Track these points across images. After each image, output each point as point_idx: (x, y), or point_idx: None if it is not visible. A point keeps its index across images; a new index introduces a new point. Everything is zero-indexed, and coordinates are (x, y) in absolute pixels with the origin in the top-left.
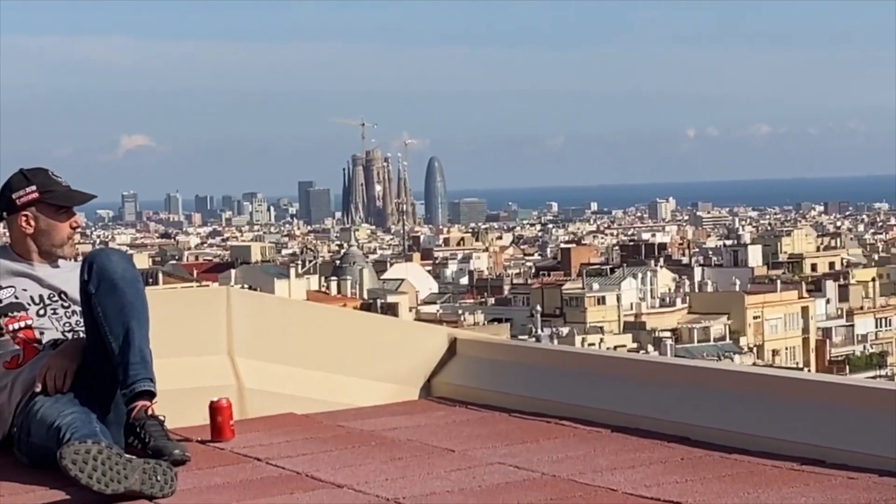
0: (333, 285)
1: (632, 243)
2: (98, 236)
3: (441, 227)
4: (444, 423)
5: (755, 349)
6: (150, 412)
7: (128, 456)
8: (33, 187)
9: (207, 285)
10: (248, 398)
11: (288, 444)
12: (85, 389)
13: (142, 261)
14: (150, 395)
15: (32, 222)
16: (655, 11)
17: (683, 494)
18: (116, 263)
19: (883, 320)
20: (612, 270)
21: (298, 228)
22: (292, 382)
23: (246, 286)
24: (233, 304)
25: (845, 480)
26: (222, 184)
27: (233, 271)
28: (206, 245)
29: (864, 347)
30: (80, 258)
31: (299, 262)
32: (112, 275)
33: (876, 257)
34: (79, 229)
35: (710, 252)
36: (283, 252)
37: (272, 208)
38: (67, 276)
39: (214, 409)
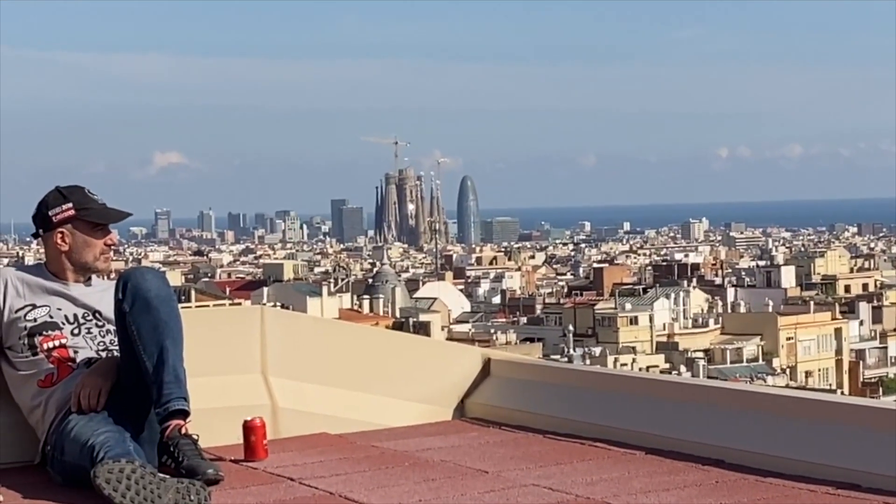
0: (366, 304)
1: (664, 263)
2: (131, 253)
3: (473, 245)
4: (477, 443)
5: (788, 370)
6: (183, 431)
7: (161, 475)
8: (69, 204)
9: (240, 303)
10: (282, 417)
11: (321, 465)
12: (119, 408)
13: (174, 278)
14: (184, 413)
15: (68, 239)
16: (689, 31)
17: None
18: (151, 282)
19: None
20: (645, 291)
21: (331, 246)
22: (325, 402)
23: (278, 304)
24: (266, 322)
25: None
26: (255, 201)
27: (265, 289)
28: (238, 263)
29: None
30: (113, 276)
31: (332, 280)
32: (146, 293)
33: None
34: (113, 247)
35: (743, 273)
36: (316, 270)
37: (305, 226)
38: (101, 296)
39: (248, 428)
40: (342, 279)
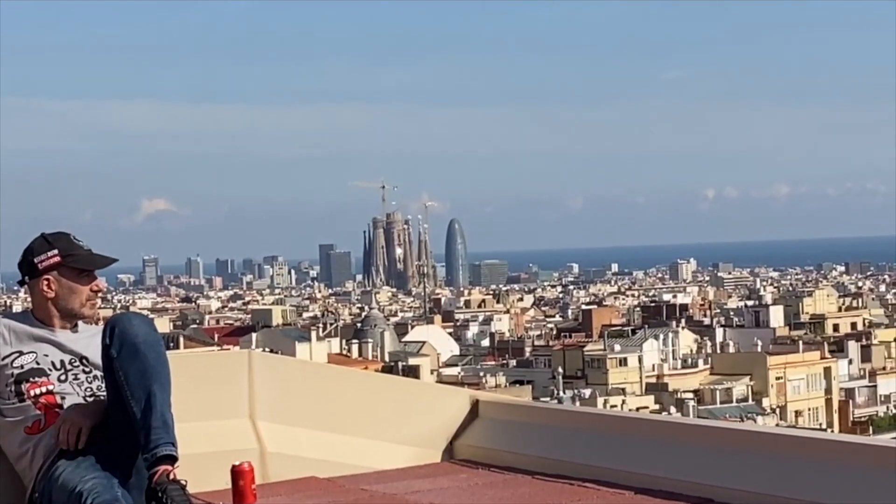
0: (355, 348)
1: (653, 304)
2: (119, 301)
3: (462, 289)
4: (466, 485)
5: (778, 410)
6: (171, 476)
7: None
8: (55, 251)
9: (228, 349)
10: (270, 462)
11: None
12: (107, 453)
13: (163, 325)
14: (173, 459)
15: (54, 286)
16: (675, 73)
17: None
18: (138, 327)
19: None
20: (634, 332)
21: (319, 291)
22: (314, 446)
23: (267, 350)
24: (254, 367)
25: None
26: (243, 247)
27: (254, 335)
28: (227, 309)
29: (888, 408)
30: (100, 322)
31: (320, 325)
32: (134, 339)
33: None
34: (100, 293)
35: (732, 313)
36: (305, 315)
37: (293, 271)
38: (88, 342)
39: (236, 472)
40: (331, 324)
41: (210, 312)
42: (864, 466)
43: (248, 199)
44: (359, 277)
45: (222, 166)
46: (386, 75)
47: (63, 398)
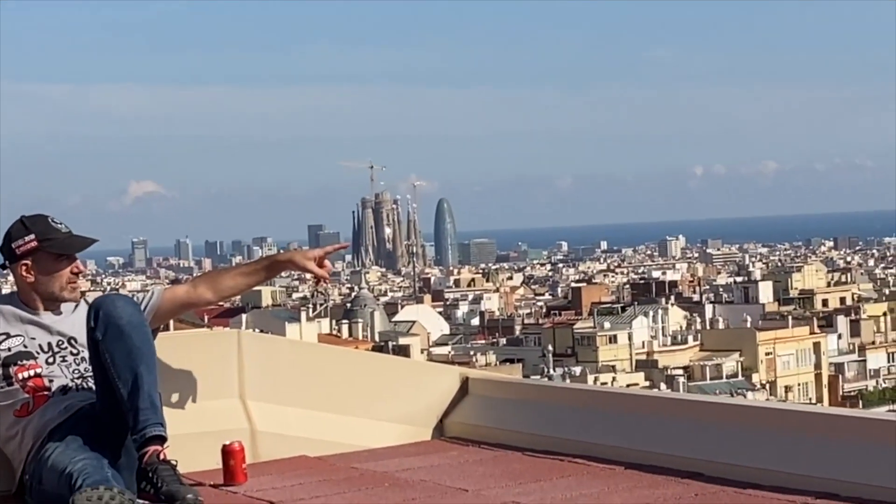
0: (345, 328)
1: (642, 281)
2: (108, 283)
3: (451, 268)
4: (457, 462)
5: (768, 385)
6: (162, 456)
7: (140, 501)
8: (32, 236)
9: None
10: (261, 441)
11: (301, 487)
12: (96, 435)
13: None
14: (162, 439)
15: (33, 271)
16: (663, 51)
17: None
18: (122, 309)
19: (895, 355)
20: (624, 309)
21: None
22: (304, 425)
23: (257, 331)
24: (243, 347)
25: None
26: (232, 229)
27: (244, 316)
28: None
29: (877, 382)
30: (84, 299)
31: (310, 305)
32: (118, 320)
33: (887, 292)
34: (81, 274)
35: (721, 289)
36: (294, 296)
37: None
38: (74, 321)
39: (227, 452)
40: (320, 304)
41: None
42: (855, 440)
43: (236, 181)
44: (348, 258)
45: (210, 148)
46: (374, 56)
47: (51, 381)
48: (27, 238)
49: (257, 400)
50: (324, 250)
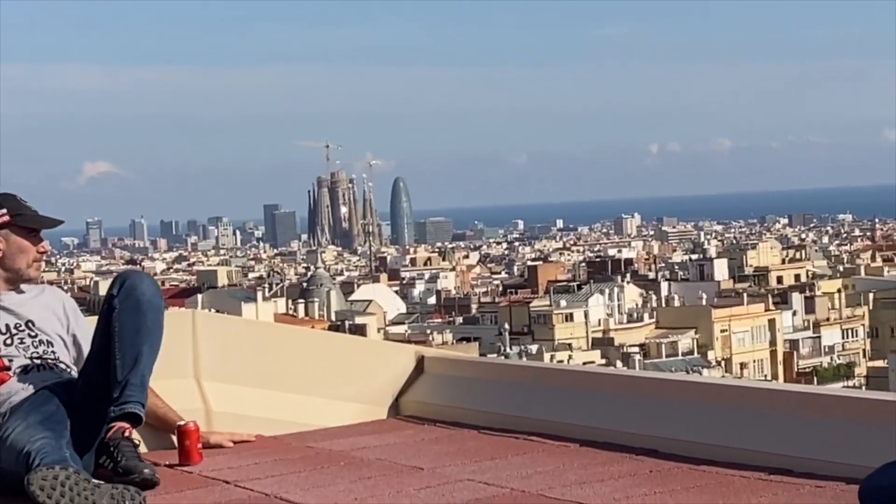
0: (301, 308)
1: (598, 259)
2: (63, 264)
3: (407, 247)
4: (412, 441)
5: (723, 363)
6: (126, 433)
7: (96, 481)
8: (4, 210)
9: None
10: (216, 421)
11: (256, 467)
12: (58, 413)
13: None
14: (136, 419)
15: (2, 244)
16: (618, 29)
17: None
18: (148, 287)
19: (849, 331)
20: (580, 287)
21: (265, 252)
22: (260, 404)
23: (213, 311)
24: (198, 327)
25: (813, 489)
26: (187, 209)
27: (199, 296)
28: (172, 270)
29: (832, 359)
30: (43, 282)
31: (266, 285)
32: (140, 296)
33: (841, 268)
34: (45, 254)
35: (677, 267)
36: (250, 276)
37: (238, 232)
38: (33, 304)
39: (182, 432)
40: (276, 284)
41: (155, 274)
42: (809, 416)
43: (191, 161)
44: (304, 237)
45: (165, 128)
46: (330, 36)
47: (10, 360)
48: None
49: (212, 380)
50: (231, 439)
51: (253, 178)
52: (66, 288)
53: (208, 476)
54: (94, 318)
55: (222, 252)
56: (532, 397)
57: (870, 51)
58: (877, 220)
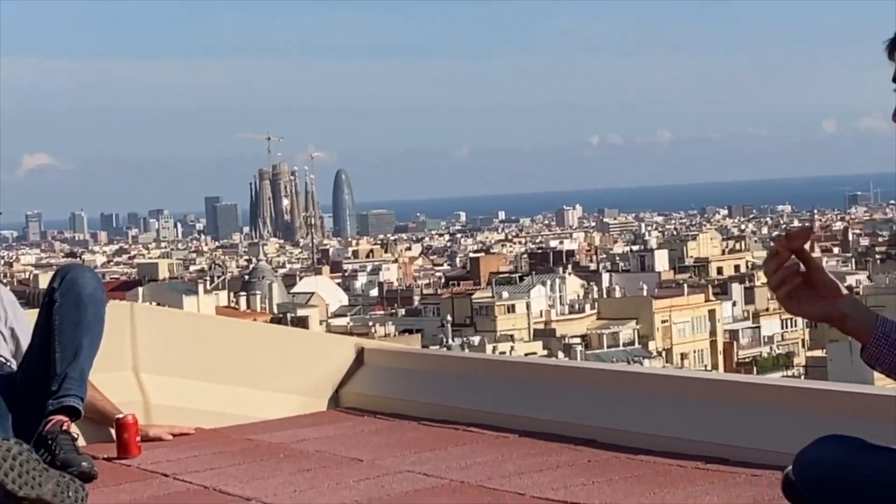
0: (243, 300)
1: (540, 251)
2: (2, 257)
3: (350, 239)
4: (352, 433)
5: (664, 353)
6: (64, 427)
7: (45, 465)
8: None
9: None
10: (155, 414)
11: (195, 459)
12: (12, 396)
13: (47, 281)
14: (75, 413)
15: None
16: (559, 22)
17: (590, 496)
18: (88, 281)
19: (788, 321)
20: (522, 278)
21: (206, 244)
22: (199, 397)
23: (154, 304)
24: (137, 319)
25: (749, 478)
26: (128, 201)
27: (140, 289)
28: (112, 263)
29: (771, 349)
30: None
31: (208, 278)
32: (81, 289)
33: None
34: None
35: (618, 258)
36: (192, 268)
37: (179, 225)
38: None
39: (120, 425)
40: (218, 277)
41: (96, 267)
42: (747, 406)
43: (132, 153)
44: (245, 230)
45: (106, 120)
46: (271, 29)
47: None
48: None
49: (151, 372)
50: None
51: (194, 171)
52: (5, 281)
53: (147, 469)
54: (34, 312)
55: (163, 245)
56: (472, 388)
57: (810, 44)
58: (815, 212)
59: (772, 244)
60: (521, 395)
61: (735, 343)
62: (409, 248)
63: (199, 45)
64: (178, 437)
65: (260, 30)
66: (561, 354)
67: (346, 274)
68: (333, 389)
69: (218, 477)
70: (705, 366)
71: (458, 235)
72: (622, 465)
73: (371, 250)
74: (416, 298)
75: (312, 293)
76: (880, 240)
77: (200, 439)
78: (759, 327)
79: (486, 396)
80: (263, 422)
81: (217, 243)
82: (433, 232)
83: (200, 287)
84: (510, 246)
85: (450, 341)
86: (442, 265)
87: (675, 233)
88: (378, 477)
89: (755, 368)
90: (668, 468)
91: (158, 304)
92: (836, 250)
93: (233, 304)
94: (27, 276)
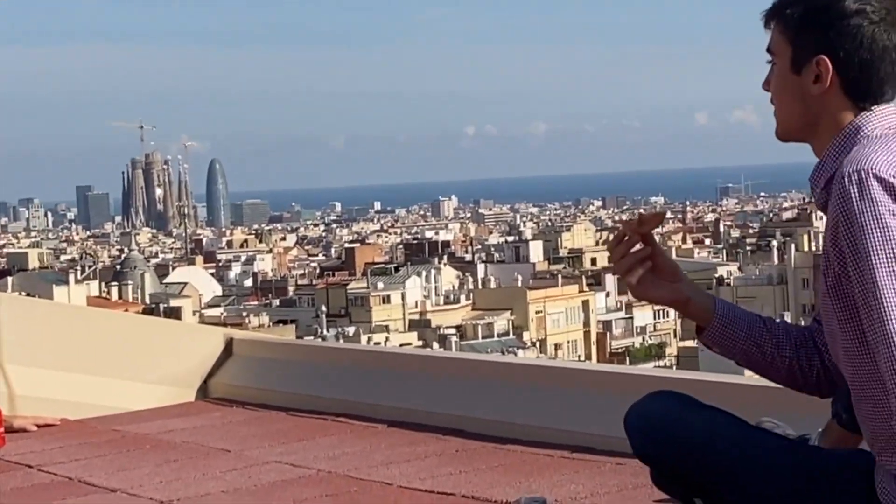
0: (115, 291)
1: (415, 242)
2: None
3: (224, 229)
4: (220, 423)
5: (538, 343)
6: None
7: None
8: None
9: None
10: (20, 405)
11: (60, 450)
12: None
13: None
14: None
15: None
16: (435, 11)
17: (457, 486)
18: None
19: (661, 312)
20: (397, 269)
21: (77, 233)
22: (65, 388)
23: (24, 294)
24: (1, 310)
25: (614, 466)
26: None
27: (10, 279)
28: None
29: (644, 339)
30: None
31: (79, 267)
32: None
33: None
34: None
35: (493, 249)
36: (62, 258)
37: (49, 214)
38: None
39: None
40: (89, 266)
41: None
42: (617, 396)
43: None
44: (118, 219)
45: None
46: (144, 15)
47: None
48: None
49: (16, 363)
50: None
51: (65, 159)
52: None
53: (10, 461)
54: None
55: (33, 234)
56: (341, 379)
57: (683, 36)
58: (688, 203)
59: (619, 227)
60: (389, 386)
61: (608, 333)
62: (283, 239)
63: (67, 30)
64: (42, 427)
65: (132, 16)
66: (436, 345)
67: (220, 264)
68: (202, 380)
69: (83, 468)
70: (579, 356)
71: (334, 226)
72: (489, 455)
73: (245, 240)
74: (291, 289)
75: (185, 283)
76: (751, 231)
77: (66, 430)
78: (632, 318)
79: (354, 387)
80: (130, 413)
81: (88, 233)
82: (308, 222)
83: (72, 277)
84: (385, 236)
85: (324, 332)
86: (317, 255)
87: (549, 224)
88: (245, 468)
89: (628, 359)
90: (535, 457)
91: (29, 295)
92: (707, 242)
93: (104, 295)
94: None
